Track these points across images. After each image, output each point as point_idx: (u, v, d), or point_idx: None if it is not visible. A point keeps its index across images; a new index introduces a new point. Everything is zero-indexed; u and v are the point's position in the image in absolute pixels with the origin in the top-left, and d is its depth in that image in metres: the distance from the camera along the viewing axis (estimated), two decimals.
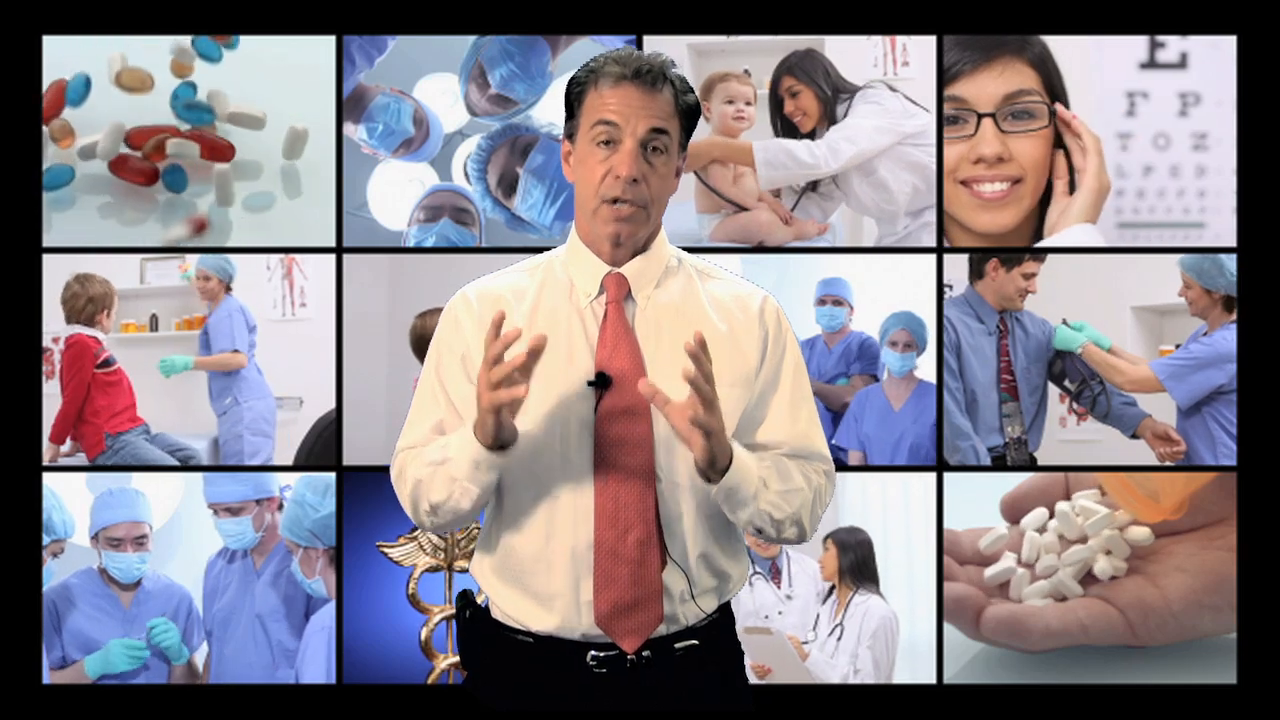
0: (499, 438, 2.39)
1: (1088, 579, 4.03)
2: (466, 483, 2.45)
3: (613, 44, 4.33)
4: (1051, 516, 4.03)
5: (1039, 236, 4.24)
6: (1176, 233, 4.50)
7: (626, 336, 2.52)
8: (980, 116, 4.18)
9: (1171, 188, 4.43)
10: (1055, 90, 4.23)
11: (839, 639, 4.49)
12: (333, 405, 4.31)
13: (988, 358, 4.45)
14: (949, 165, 4.32)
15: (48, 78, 4.37)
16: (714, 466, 2.41)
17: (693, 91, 2.55)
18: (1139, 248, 4.57)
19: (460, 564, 4.27)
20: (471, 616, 2.62)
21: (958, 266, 4.57)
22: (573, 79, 2.55)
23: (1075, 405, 4.46)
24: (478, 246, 4.50)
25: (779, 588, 4.62)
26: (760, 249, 4.52)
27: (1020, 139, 4.23)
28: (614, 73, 2.49)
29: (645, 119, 2.48)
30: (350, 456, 4.42)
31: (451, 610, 4.34)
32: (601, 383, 2.48)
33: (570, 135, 2.55)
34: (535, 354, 2.35)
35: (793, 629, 4.55)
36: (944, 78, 4.38)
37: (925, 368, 4.62)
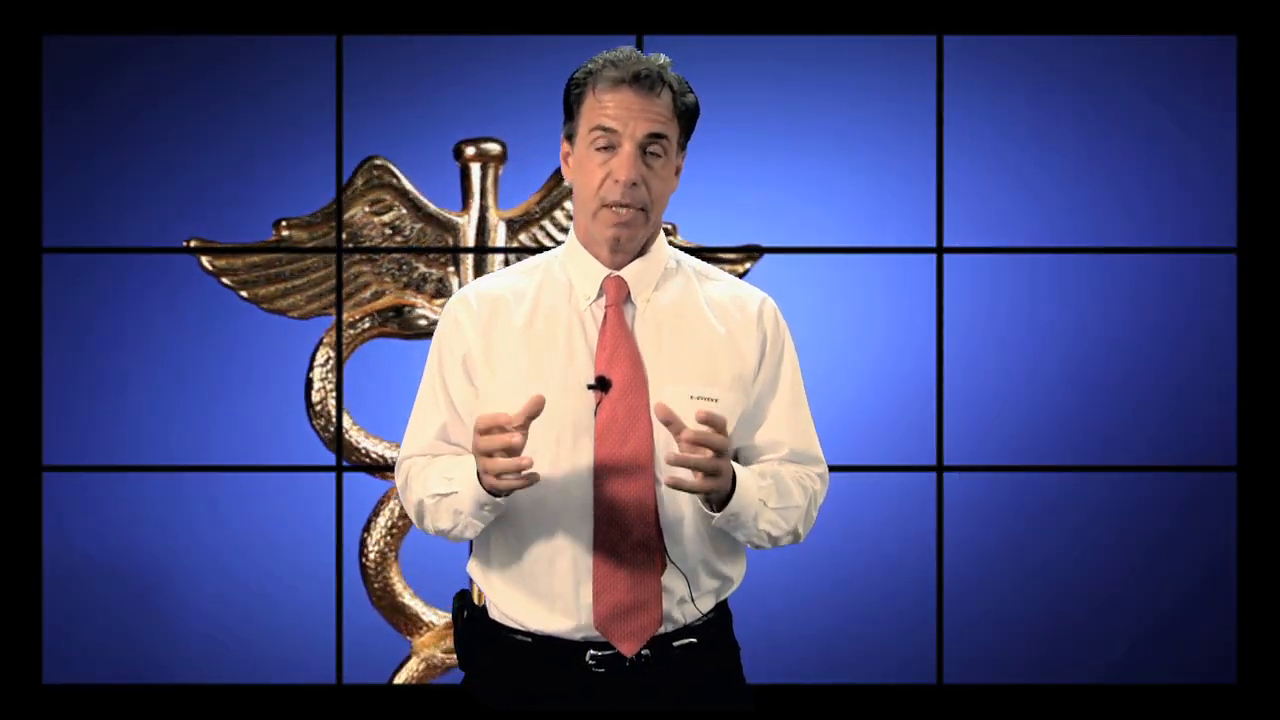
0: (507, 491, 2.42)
1: None
2: (471, 518, 2.47)
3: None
4: None
5: None
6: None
7: (626, 340, 2.51)
8: None
9: None
10: None
11: None
12: None
13: None
14: None
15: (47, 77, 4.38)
16: (714, 498, 2.42)
17: (692, 92, 2.55)
18: (1143, 248, 4.57)
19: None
20: (470, 616, 2.62)
21: (958, 266, 4.57)
22: (571, 80, 2.54)
23: None
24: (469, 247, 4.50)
25: None
26: (759, 249, 4.52)
27: None
28: (611, 77, 2.49)
29: (643, 123, 2.48)
30: None
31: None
32: (601, 385, 2.47)
33: (569, 136, 2.55)
34: (535, 415, 2.35)
35: None
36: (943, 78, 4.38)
37: (925, 368, 4.61)
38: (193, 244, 4.44)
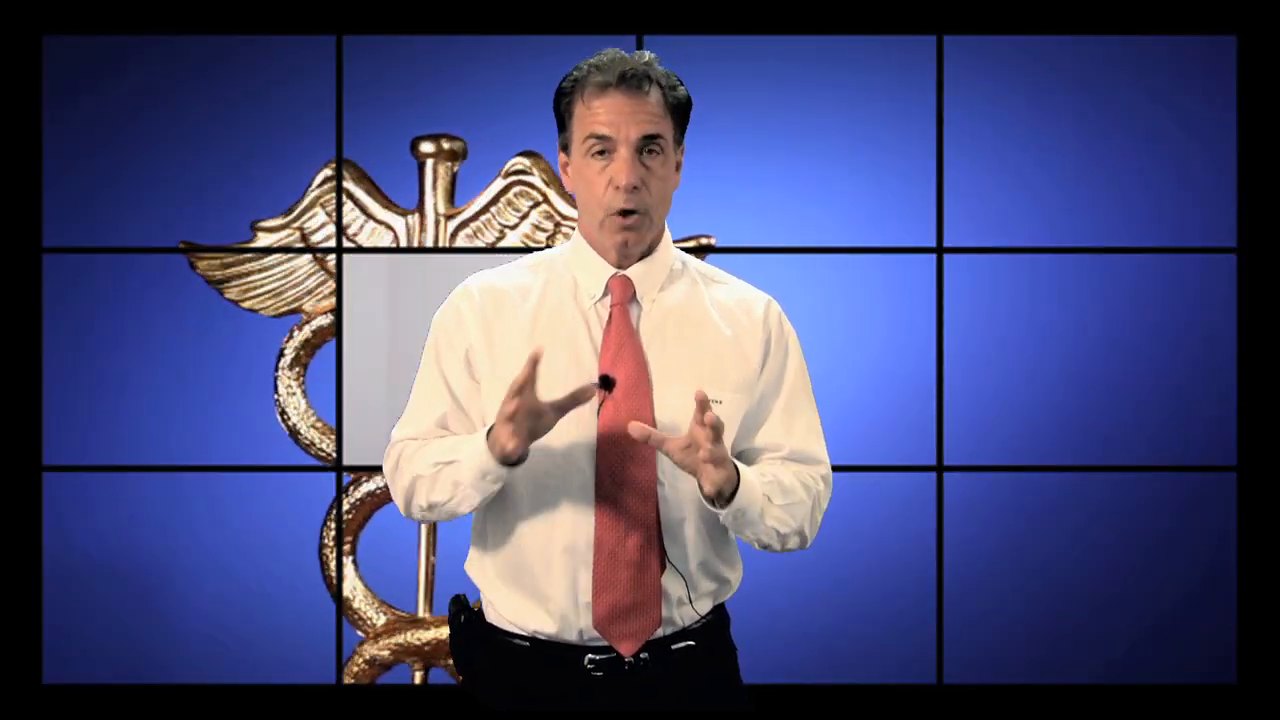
0: (519, 457, 2.40)
1: None
2: (470, 489, 2.44)
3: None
4: None
5: None
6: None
7: (630, 340, 2.50)
8: None
9: None
10: None
11: None
12: None
13: None
14: None
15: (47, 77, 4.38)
16: (721, 494, 2.41)
17: (681, 84, 2.53)
18: (1140, 248, 4.57)
19: None
20: (466, 621, 2.61)
21: (958, 266, 4.56)
22: (559, 90, 2.52)
23: None
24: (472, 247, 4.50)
25: None
26: (761, 250, 4.52)
27: None
28: (598, 81, 2.46)
29: (636, 125, 2.45)
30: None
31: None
32: (605, 385, 2.46)
33: (564, 147, 2.54)
34: (535, 363, 2.35)
35: None
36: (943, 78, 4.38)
37: (925, 368, 4.61)
38: (183, 246, 4.49)
